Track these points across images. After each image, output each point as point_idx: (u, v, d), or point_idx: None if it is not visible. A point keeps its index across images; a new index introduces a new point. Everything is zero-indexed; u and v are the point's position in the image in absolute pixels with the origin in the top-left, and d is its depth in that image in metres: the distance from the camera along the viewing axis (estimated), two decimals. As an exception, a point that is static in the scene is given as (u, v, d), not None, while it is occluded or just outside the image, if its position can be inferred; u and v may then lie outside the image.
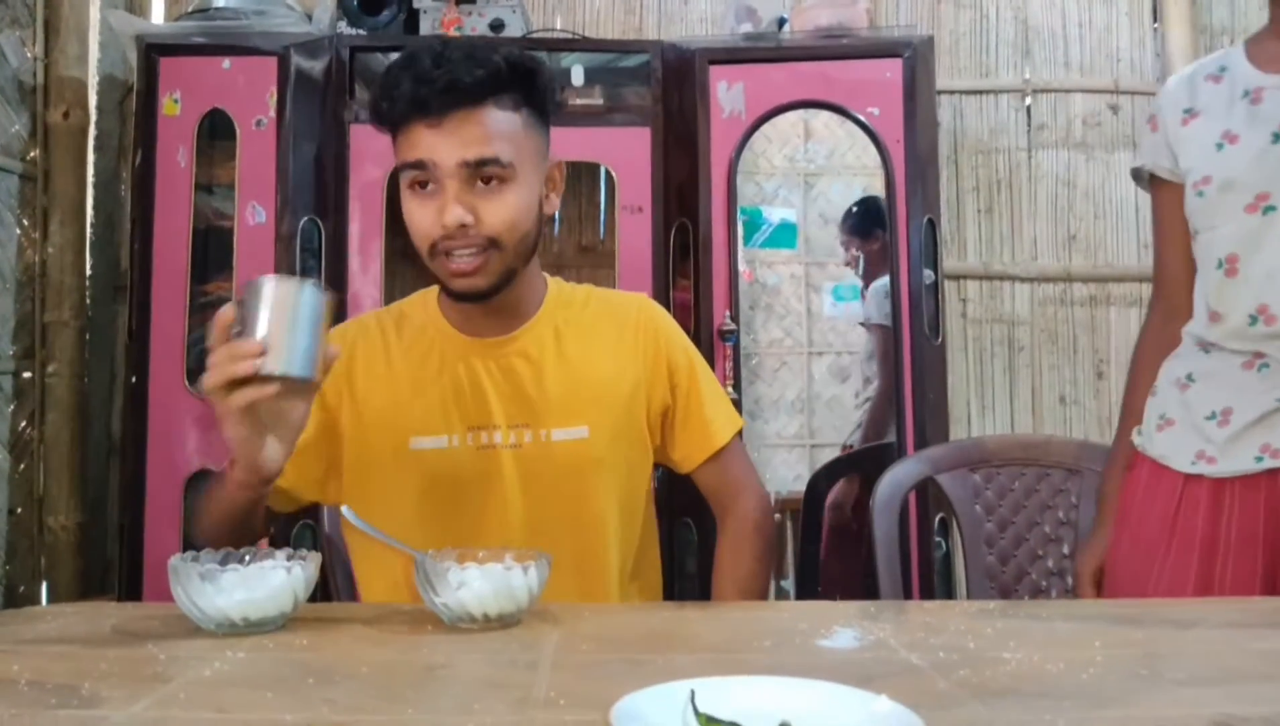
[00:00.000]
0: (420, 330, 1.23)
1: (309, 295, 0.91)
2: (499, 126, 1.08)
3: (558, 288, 1.26)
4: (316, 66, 2.42)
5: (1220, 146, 1.22)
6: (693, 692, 0.59)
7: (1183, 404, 1.25)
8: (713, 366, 2.46)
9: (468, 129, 1.07)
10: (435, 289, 1.24)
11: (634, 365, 1.24)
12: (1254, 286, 1.18)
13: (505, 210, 1.09)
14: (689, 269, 2.44)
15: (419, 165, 1.08)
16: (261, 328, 0.89)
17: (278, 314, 0.89)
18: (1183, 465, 1.23)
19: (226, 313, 0.92)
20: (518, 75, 1.10)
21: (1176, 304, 1.30)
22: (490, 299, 1.14)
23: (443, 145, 1.07)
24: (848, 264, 2.84)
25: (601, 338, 1.24)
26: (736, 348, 2.53)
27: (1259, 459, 1.17)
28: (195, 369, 2.41)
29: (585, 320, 1.25)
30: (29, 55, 2.40)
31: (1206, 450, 1.21)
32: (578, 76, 2.49)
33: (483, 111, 1.07)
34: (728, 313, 2.47)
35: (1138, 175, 1.35)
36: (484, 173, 1.08)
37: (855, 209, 2.82)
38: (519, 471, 1.18)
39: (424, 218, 1.10)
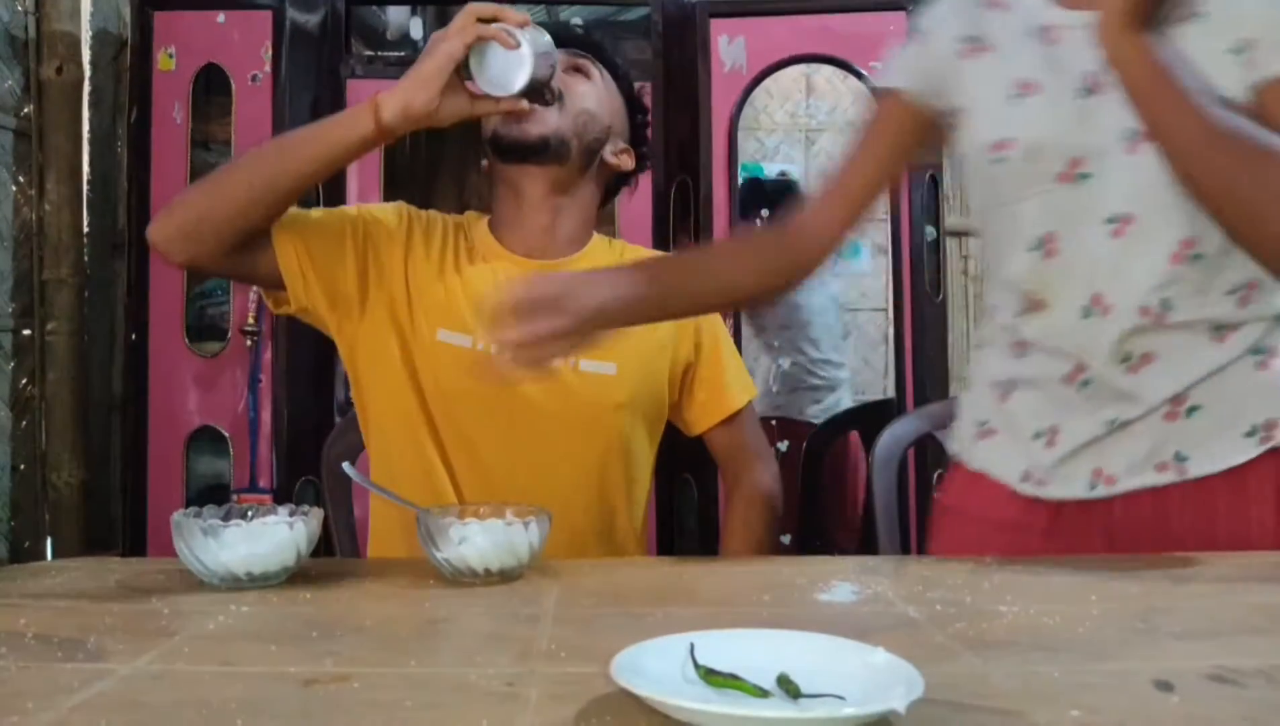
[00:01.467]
0: (471, 238, 1.28)
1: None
2: (584, 61, 1.27)
3: (600, 238, 1.32)
4: (312, 20, 2.39)
5: (1018, 98, 1.01)
6: (692, 645, 0.60)
7: (1005, 414, 1.08)
8: (713, 324, 2.47)
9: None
10: (483, 218, 1.30)
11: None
12: (1081, 270, 1.00)
13: (583, 89, 1.24)
14: (689, 226, 2.43)
15: None
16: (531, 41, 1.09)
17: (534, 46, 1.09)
18: (1011, 481, 1.06)
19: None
20: (594, 44, 1.29)
21: (801, 229, 1.10)
22: (538, 159, 1.21)
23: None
24: None
25: None
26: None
27: (1093, 486, 1.02)
28: (194, 326, 2.41)
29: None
30: (20, 9, 2.37)
31: (1034, 472, 1.05)
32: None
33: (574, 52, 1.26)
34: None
35: (878, 95, 1.14)
36: (575, 61, 1.24)
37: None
38: (538, 393, 1.19)
39: None
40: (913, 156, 1.14)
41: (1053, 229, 1.01)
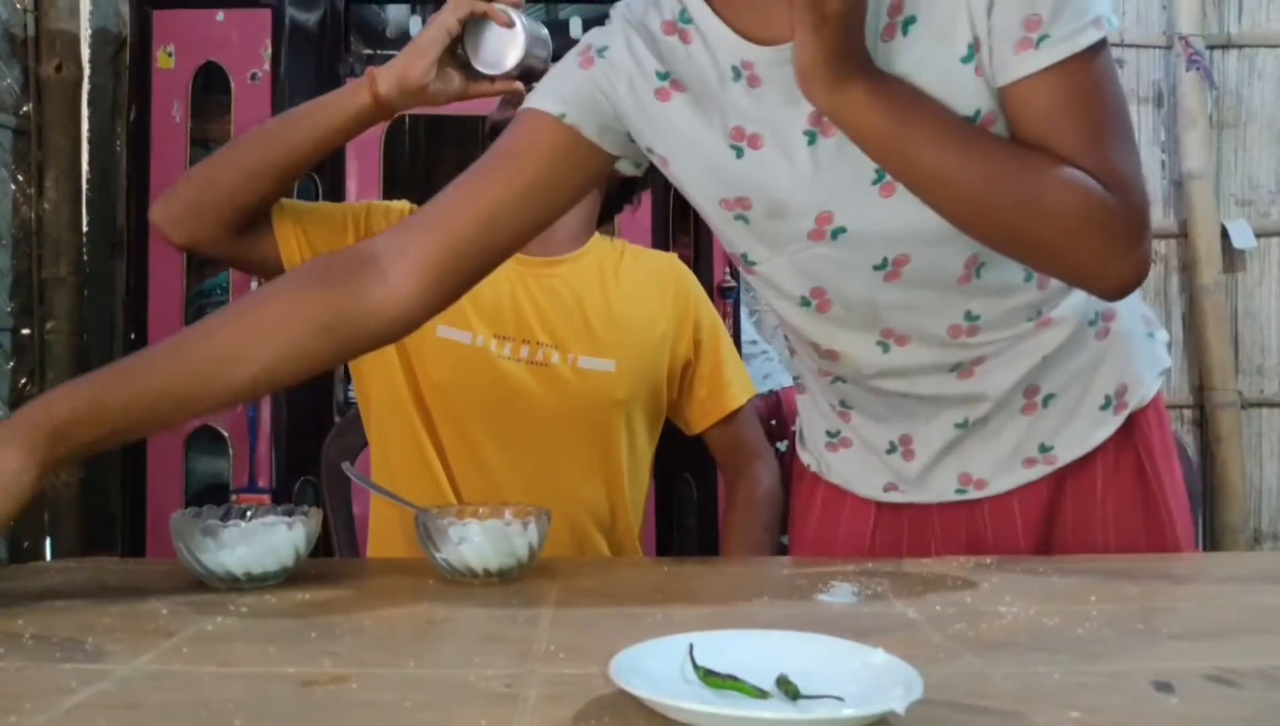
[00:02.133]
0: None
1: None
2: None
3: (600, 236, 1.33)
4: (312, 19, 2.38)
5: (740, 151, 0.88)
6: (691, 646, 0.60)
7: (852, 429, 1.03)
8: (712, 323, 2.46)
9: None
10: None
11: (664, 316, 1.29)
12: (861, 318, 0.92)
13: None
14: (689, 225, 2.42)
15: None
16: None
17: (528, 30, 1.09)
18: (872, 493, 1.03)
19: None
20: None
21: (395, 253, 0.92)
22: None
23: None
24: None
25: (638, 285, 1.30)
26: (736, 305, 2.52)
27: (961, 491, 0.99)
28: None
29: (624, 266, 1.31)
30: (19, 7, 2.37)
31: (898, 483, 1.01)
32: (575, 28, 2.46)
33: None
34: (727, 269, 2.46)
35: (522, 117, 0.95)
36: None
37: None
38: (538, 389, 1.21)
39: None
40: (564, 192, 0.96)
41: (817, 285, 0.92)
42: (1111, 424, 0.98)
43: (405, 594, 0.85)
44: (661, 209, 2.43)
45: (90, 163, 2.54)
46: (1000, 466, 0.98)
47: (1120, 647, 0.68)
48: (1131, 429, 0.99)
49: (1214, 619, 0.75)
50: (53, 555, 2.39)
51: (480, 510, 0.95)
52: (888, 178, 0.84)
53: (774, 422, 1.97)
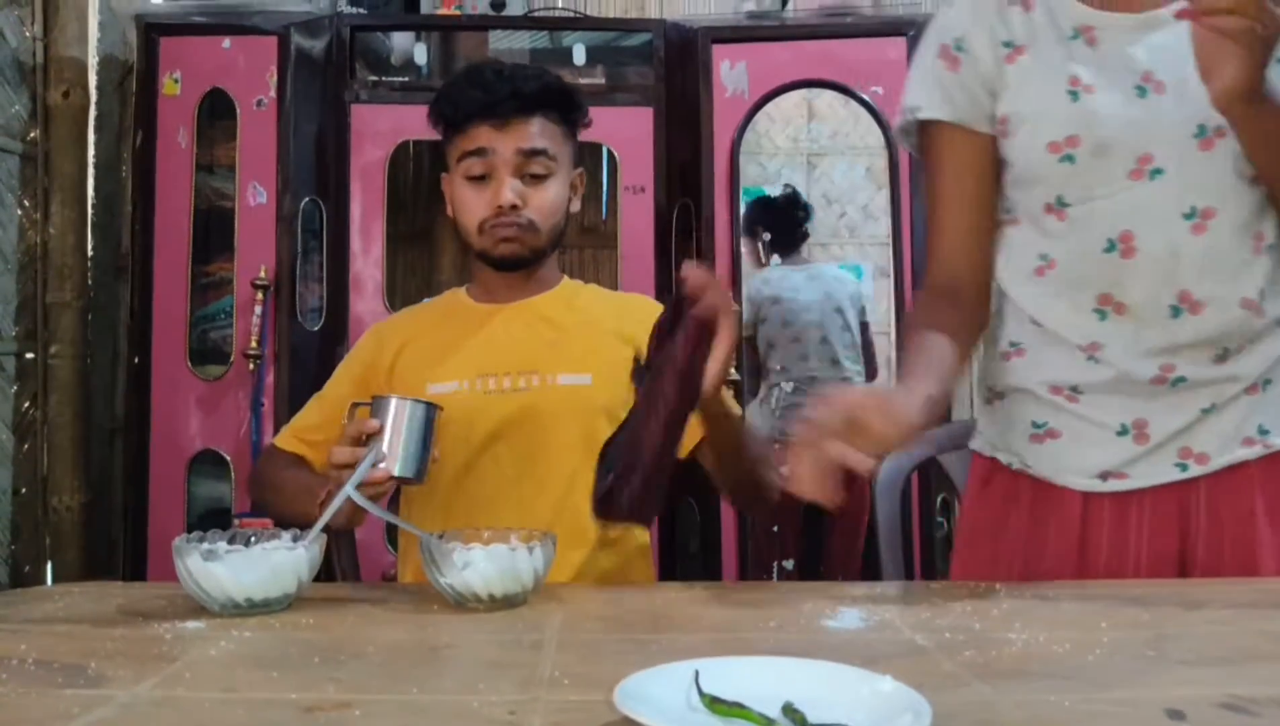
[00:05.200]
0: (447, 307, 1.40)
1: (422, 412, 1.09)
2: (547, 130, 1.30)
3: (573, 281, 1.41)
4: (317, 46, 2.40)
5: (1075, 96, 1.00)
6: (697, 673, 0.59)
7: (1073, 415, 1.04)
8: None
9: (525, 129, 1.28)
10: (463, 288, 1.41)
11: (639, 339, 1.27)
12: (1164, 268, 0.99)
13: (546, 199, 1.29)
14: (691, 249, 2.43)
15: (481, 152, 1.27)
16: (388, 440, 1.08)
17: (396, 428, 1.08)
18: (1080, 483, 1.04)
19: (359, 425, 1.09)
20: (561, 95, 1.32)
21: (958, 285, 1.08)
22: (524, 267, 1.32)
23: (503, 139, 1.27)
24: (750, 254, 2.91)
25: (611, 314, 1.35)
26: (739, 330, 2.52)
27: (1181, 466, 1.01)
28: (197, 349, 2.41)
29: (598, 301, 1.38)
30: (28, 35, 2.39)
31: (1115, 466, 1.03)
32: (579, 56, 2.48)
33: (536, 116, 1.29)
34: (730, 293, 2.46)
35: (911, 130, 1.11)
36: (532, 166, 1.28)
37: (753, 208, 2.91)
38: (521, 410, 1.26)
39: (479, 201, 1.29)
40: (992, 178, 1.09)
41: (1128, 227, 1.00)
42: None
43: (409, 619, 0.85)
44: (664, 232, 2.43)
45: (96, 188, 2.55)
46: (1223, 445, 1.02)
47: (1131, 675, 0.67)
48: None
49: (1227, 645, 0.74)
50: (54, 579, 2.38)
51: (485, 535, 0.94)
52: (1208, 132, 0.98)
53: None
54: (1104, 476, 1.03)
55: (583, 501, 1.23)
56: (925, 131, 1.10)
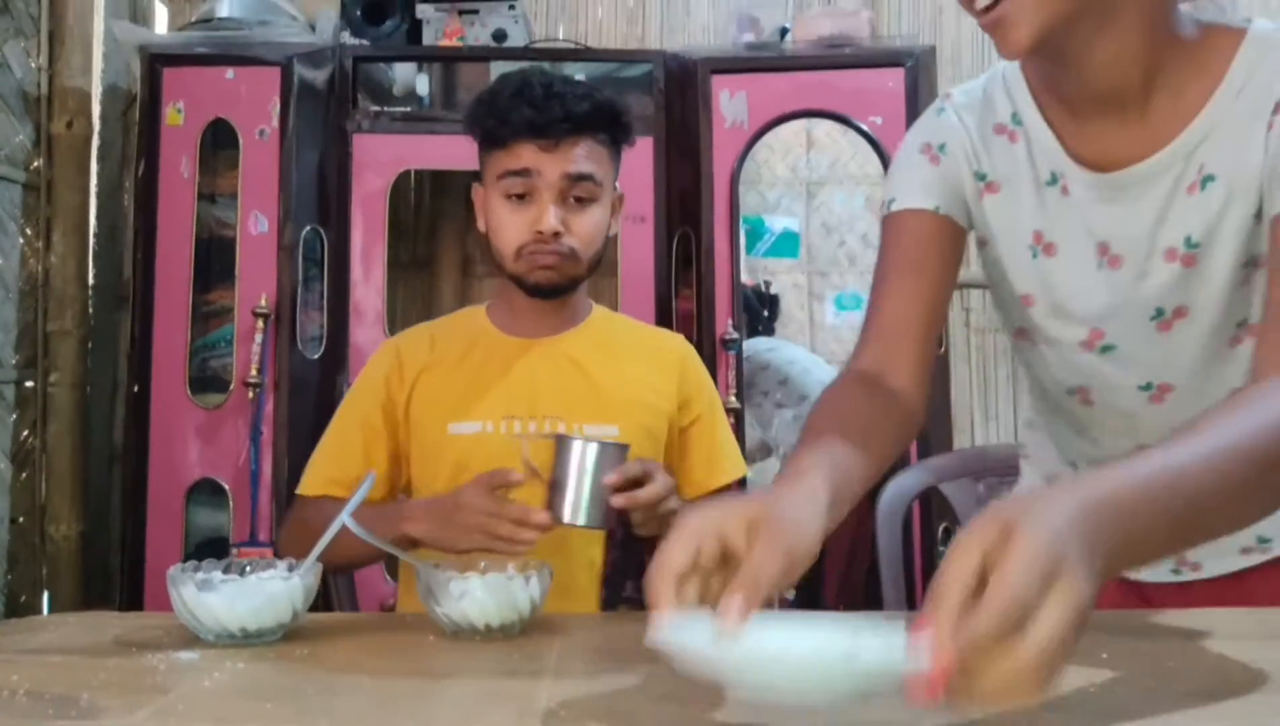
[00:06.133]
0: (468, 333, 1.32)
1: (614, 454, 1.03)
2: (595, 153, 1.24)
3: (601, 309, 1.37)
4: (320, 76, 2.42)
5: (1035, 253, 0.96)
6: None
7: None
8: (714, 375, 2.46)
9: (572, 151, 1.22)
10: (482, 307, 1.35)
11: (666, 386, 1.30)
12: (1124, 427, 0.97)
13: (589, 225, 1.25)
14: (691, 278, 2.44)
15: (525, 172, 1.21)
16: (572, 486, 1.02)
17: (581, 472, 1.02)
18: (1151, 575, 1.03)
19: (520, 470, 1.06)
20: (611, 114, 1.26)
21: (891, 369, 0.95)
22: (559, 296, 1.27)
23: (550, 161, 1.21)
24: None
25: (641, 356, 1.32)
26: (739, 356, 2.52)
27: (1177, 572, 1.02)
28: (197, 378, 2.41)
29: (628, 340, 1.34)
30: (33, 65, 2.41)
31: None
32: (580, 86, 2.49)
33: (585, 138, 1.23)
34: (730, 322, 2.46)
35: (895, 215, 0.99)
36: (578, 190, 1.23)
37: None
38: (547, 458, 1.18)
39: (518, 223, 1.23)
40: (952, 276, 1.00)
41: (1083, 384, 0.99)
42: None
43: (405, 650, 0.84)
44: (664, 261, 2.44)
45: (98, 217, 2.56)
46: (1219, 552, 0.99)
47: (1134, 706, 0.66)
48: None
49: (1229, 676, 0.73)
50: (50, 609, 2.37)
51: (482, 564, 0.94)
52: (1167, 315, 0.91)
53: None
54: (1179, 565, 1.02)
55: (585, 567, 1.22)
56: (897, 221, 0.99)
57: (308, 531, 1.08)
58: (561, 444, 1.03)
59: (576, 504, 1.01)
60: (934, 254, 0.98)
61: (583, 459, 1.01)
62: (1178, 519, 0.64)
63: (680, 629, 0.59)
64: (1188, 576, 1.01)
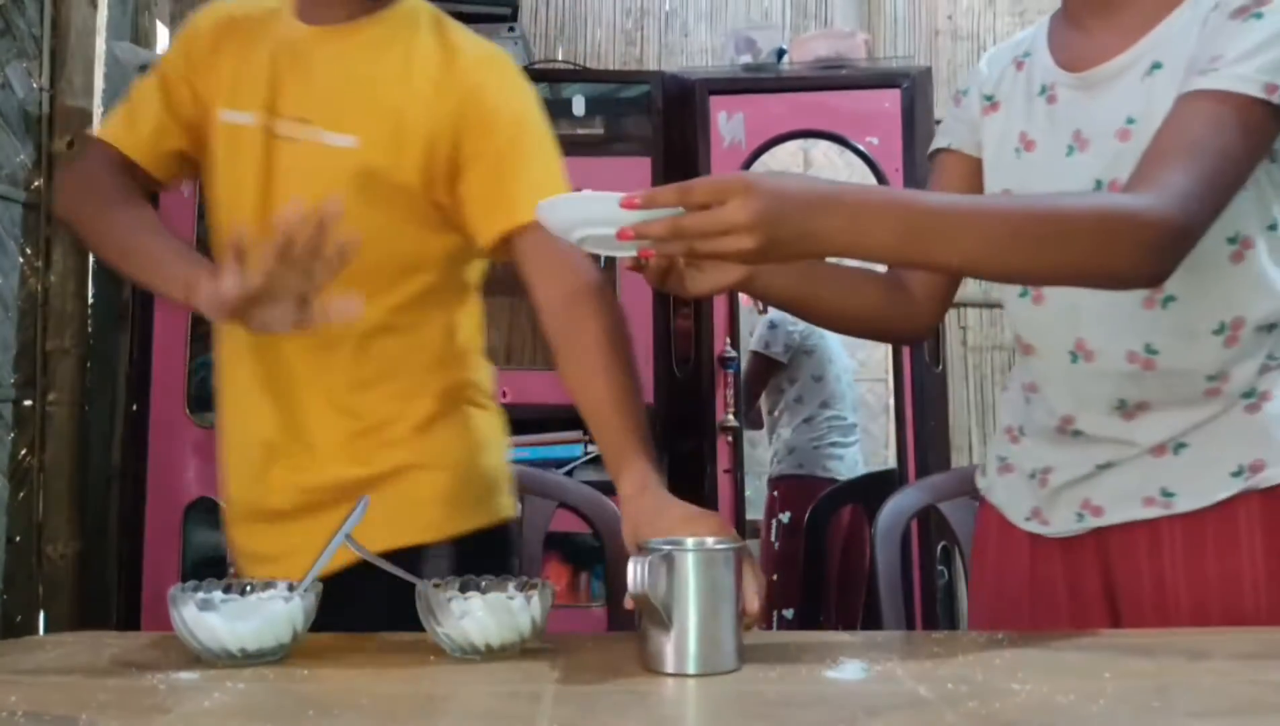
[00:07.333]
0: (263, 9, 1.21)
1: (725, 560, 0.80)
2: None
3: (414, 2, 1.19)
4: (320, 96, 2.43)
5: (1018, 152, 1.09)
6: None
7: (1016, 453, 1.14)
8: (713, 393, 2.46)
9: None
10: None
11: (445, 101, 1.12)
12: (1064, 316, 1.04)
13: None
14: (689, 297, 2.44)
15: None
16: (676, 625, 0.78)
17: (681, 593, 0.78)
18: (1018, 520, 1.12)
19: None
20: None
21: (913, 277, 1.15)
22: None
23: None
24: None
25: (424, 63, 1.15)
26: (737, 375, 2.52)
27: (1080, 518, 1.06)
28: (196, 396, 2.41)
29: (421, 41, 1.16)
30: (35, 86, 2.42)
31: (1039, 509, 1.10)
32: (578, 107, 2.51)
33: None
34: (728, 340, 2.47)
35: (933, 159, 1.21)
36: None
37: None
38: (293, 166, 1.14)
39: None
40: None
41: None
42: (1238, 488, 1.00)
43: (405, 670, 0.84)
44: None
45: (98, 236, 2.56)
46: (1119, 500, 1.04)
47: (1136, 725, 0.66)
48: (1262, 499, 1.00)
49: (1231, 695, 0.73)
50: (47, 629, 2.36)
51: (482, 584, 0.94)
52: (1104, 187, 1.00)
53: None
54: (1030, 516, 1.11)
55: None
56: (932, 164, 1.20)
57: (80, 182, 1.24)
58: (653, 558, 0.79)
59: (682, 651, 0.79)
60: (950, 187, 1.16)
61: (680, 571, 0.79)
62: (903, 219, 0.82)
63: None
64: (1090, 523, 1.05)
